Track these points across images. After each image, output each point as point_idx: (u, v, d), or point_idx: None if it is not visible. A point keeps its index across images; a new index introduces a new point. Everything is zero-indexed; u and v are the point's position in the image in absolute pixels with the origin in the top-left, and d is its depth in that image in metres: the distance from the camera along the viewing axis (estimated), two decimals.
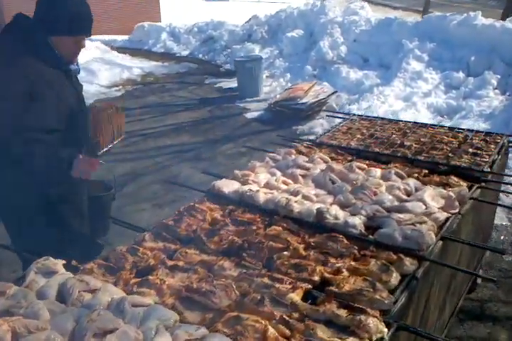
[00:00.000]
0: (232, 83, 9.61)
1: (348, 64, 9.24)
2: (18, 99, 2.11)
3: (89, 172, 2.27)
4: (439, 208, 2.19)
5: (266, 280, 1.66)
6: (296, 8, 12.17)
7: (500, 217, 4.46)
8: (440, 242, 2.05)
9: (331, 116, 4.70)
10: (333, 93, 8.01)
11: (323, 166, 2.60)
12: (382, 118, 3.68)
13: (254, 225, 2.09)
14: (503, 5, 14.20)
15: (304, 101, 7.48)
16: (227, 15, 16.42)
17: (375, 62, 9.20)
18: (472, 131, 3.41)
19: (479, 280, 3.48)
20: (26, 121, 2.12)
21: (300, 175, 2.49)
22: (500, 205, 2.79)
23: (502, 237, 4.22)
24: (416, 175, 2.65)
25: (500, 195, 4.17)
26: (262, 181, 2.44)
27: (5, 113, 2.10)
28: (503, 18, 8.98)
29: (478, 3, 24.75)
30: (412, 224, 2.01)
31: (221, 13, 17.42)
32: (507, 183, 3.03)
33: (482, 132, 3.33)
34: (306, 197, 2.25)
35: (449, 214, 2.17)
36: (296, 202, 2.19)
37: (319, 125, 7.16)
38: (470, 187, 2.54)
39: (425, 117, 7.21)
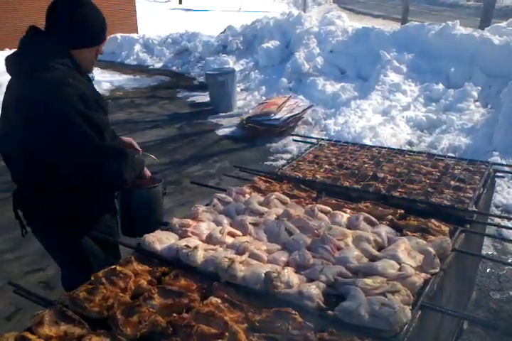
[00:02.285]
0: (206, 97, 9.20)
1: (325, 76, 8.90)
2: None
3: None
4: (416, 267, 1.80)
5: None
6: (271, 18, 11.86)
7: (486, 246, 4.10)
8: (418, 313, 1.65)
9: (298, 141, 4.28)
10: (308, 107, 7.66)
11: (280, 210, 2.18)
12: (354, 144, 3.29)
13: (187, 297, 1.66)
14: (479, 12, 14.12)
15: (277, 116, 7.10)
16: (203, 25, 16.12)
17: (353, 73, 8.88)
18: (454, 158, 3.04)
19: (465, 326, 3.09)
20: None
21: (251, 223, 2.07)
22: (486, 258, 2.36)
23: (488, 270, 3.85)
24: (390, 216, 2.25)
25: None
26: (204, 233, 2.02)
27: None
28: (482, 28, 8.74)
29: (455, 11, 24.86)
30: (383, 294, 1.60)
31: (197, 24, 17.13)
32: (494, 224, 2.65)
33: (465, 160, 2.96)
34: (254, 256, 1.84)
35: (428, 276, 1.77)
36: (241, 262, 1.77)
37: (294, 142, 6.77)
38: (453, 231, 2.17)
39: (404, 132, 6.90)
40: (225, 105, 8.50)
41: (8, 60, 2.07)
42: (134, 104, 9.12)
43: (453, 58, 7.86)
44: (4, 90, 2.14)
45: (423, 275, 1.76)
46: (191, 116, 8.37)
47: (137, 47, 13.64)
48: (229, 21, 13.74)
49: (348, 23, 10.59)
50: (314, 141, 3.41)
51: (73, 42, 2.10)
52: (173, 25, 16.31)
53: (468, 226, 2.29)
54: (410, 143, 6.71)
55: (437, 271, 1.81)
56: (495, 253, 4.09)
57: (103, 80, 10.43)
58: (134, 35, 14.21)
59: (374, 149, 3.17)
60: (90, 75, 2.33)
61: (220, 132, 7.51)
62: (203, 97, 9.32)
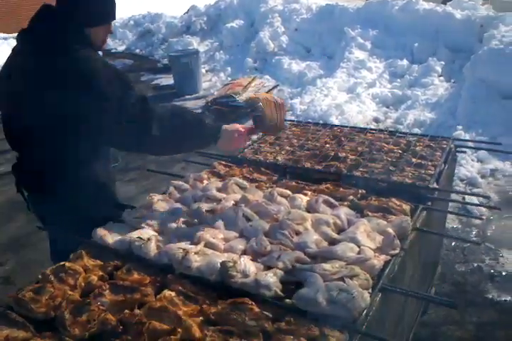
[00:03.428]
0: (171, 80, 8.98)
1: (290, 55, 8.79)
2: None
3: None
4: (375, 249, 1.76)
5: None
6: None
7: (450, 219, 4.13)
8: (378, 295, 1.62)
9: None
10: (274, 87, 7.57)
11: (238, 196, 2.11)
12: (316, 124, 3.23)
13: (139, 292, 1.59)
14: None
15: (243, 97, 6.98)
16: (165, 6, 15.66)
17: (318, 52, 8.79)
18: (416, 135, 3.01)
19: None
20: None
21: (207, 211, 2.00)
22: (448, 236, 2.33)
23: (453, 243, 3.90)
24: (351, 197, 2.21)
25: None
26: (158, 223, 1.93)
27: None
28: (444, 3, 8.73)
29: None
30: (342, 279, 1.56)
31: (160, 4, 16.64)
32: (456, 201, 2.64)
33: (426, 136, 2.93)
34: (210, 245, 1.77)
35: (389, 257, 1.74)
36: (196, 253, 1.71)
37: None
38: (414, 209, 2.14)
39: (370, 109, 6.88)
40: (189, 87, 8.33)
41: (19, 38, 2.03)
42: None
43: (417, 33, 7.85)
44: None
45: (383, 257, 1.72)
46: (155, 99, 8.14)
47: None
48: (195, 1, 13.37)
49: (312, 0, 10.44)
50: None
51: (88, 20, 2.04)
52: (136, 7, 15.81)
53: (429, 203, 2.27)
54: (376, 120, 6.71)
55: (397, 251, 1.78)
56: (460, 226, 4.14)
57: None
58: None
59: (336, 128, 3.11)
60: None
61: None
62: (168, 80, 9.11)
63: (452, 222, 4.17)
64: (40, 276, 1.69)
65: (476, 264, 3.64)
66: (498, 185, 4.84)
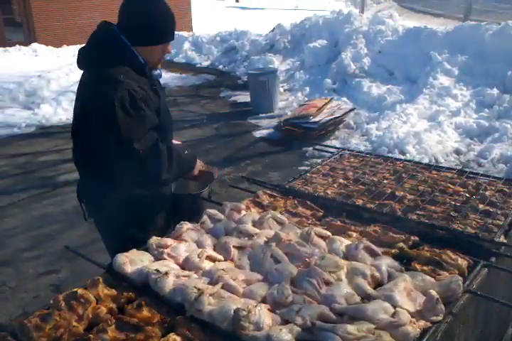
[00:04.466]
0: (248, 97, 9.02)
1: (371, 77, 8.51)
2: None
3: None
4: (414, 312, 1.53)
5: None
6: (321, 16, 11.53)
7: None
8: None
9: (319, 150, 4.01)
10: (350, 110, 7.32)
11: (272, 232, 1.96)
12: (378, 156, 3.00)
13: (143, 332, 1.48)
14: None
15: (316, 119, 6.81)
16: (254, 24, 15.95)
17: (401, 75, 8.43)
18: (489, 176, 2.69)
19: None
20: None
21: (236, 246, 1.86)
22: (506, 305, 1.96)
23: None
24: (401, 244, 1.98)
25: None
26: (182, 256, 1.82)
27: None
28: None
29: None
30: None
31: (249, 22, 16.98)
32: None
33: (501, 179, 2.60)
34: (228, 287, 1.62)
35: (428, 324, 1.50)
36: (211, 295, 1.57)
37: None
38: (473, 266, 1.86)
39: (452, 140, 6.43)
40: (265, 106, 8.29)
41: (79, 53, 2.18)
42: (175, 102, 9.06)
43: (510, 61, 7.27)
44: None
45: (421, 323, 1.49)
46: (231, 116, 8.23)
47: (186, 45, 13.67)
48: (282, 20, 13.48)
49: (400, 22, 10.11)
50: (335, 150, 3.14)
51: (139, 40, 2.12)
52: (225, 24, 16.25)
53: (493, 259, 1.97)
54: (458, 152, 6.25)
55: (440, 318, 1.53)
56: None
57: None
58: (184, 33, 14.24)
59: (398, 163, 2.87)
60: (157, 72, 2.31)
61: (257, 134, 7.32)
62: (245, 97, 9.15)
63: None
64: (51, 301, 1.64)
65: None
66: None
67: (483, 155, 6.02)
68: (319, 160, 6.07)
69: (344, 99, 8.04)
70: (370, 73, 8.72)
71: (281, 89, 9.30)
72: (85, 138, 2.13)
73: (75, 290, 1.66)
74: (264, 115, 8.22)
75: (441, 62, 7.66)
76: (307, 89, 9.16)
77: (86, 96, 2.12)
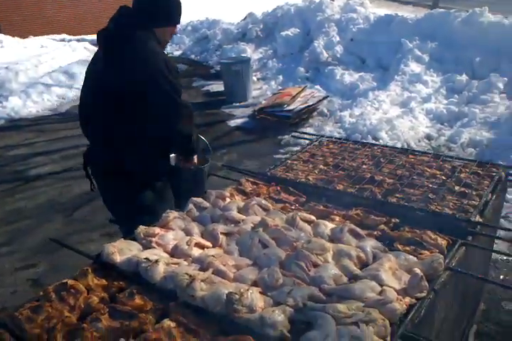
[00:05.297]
0: (221, 86, 8.97)
1: (344, 65, 8.59)
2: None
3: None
4: (400, 290, 1.59)
5: None
6: (293, 4, 11.51)
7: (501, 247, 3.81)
8: None
9: (297, 138, 4.06)
10: (324, 98, 7.38)
11: (258, 218, 1.99)
12: (355, 142, 3.05)
13: (137, 319, 1.50)
14: None
15: (290, 107, 6.86)
16: (224, 12, 15.79)
17: (373, 63, 8.53)
18: (463, 159, 2.78)
19: (471, 339, 2.86)
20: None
21: (223, 233, 1.88)
22: (486, 281, 2.06)
23: (502, 276, 3.59)
24: (382, 226, 2.04)
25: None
26: (170, 244, 1.84)
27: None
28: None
29: None
30: (356, 323, 1.40)
31: (218, 11, 16.79)
32: (501, 238, 2.40)
33: (474, 161, 2.70)
34: (219, 273, 1.65)
35: (413, 301, 1.56)
36: (203, 280, 1.60)
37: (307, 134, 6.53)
38: (452, 245, 1.94)
39: (423, 125, 6.57)
40: (239, 95, 8.28)
41: (100, 36, 2.38)
42: None
43: (479, 47, 7.45)
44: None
45: (407, 300, 1.55)
46: (204, 105, 8.18)
47: None
48: (254, 8, 13.37)
49: (371, 10, 10.19)
50: (314, 137, 3.18)
51: (157, 22, 2.42)
52: (196, 12, 16.03)
53: (470, 238, 2.06)
54: (429, 137, 6.38)
55: (424, 294, 1.59)
56: (510, 258, 3.81)
57: None
58: None
59: (376, 148, 2.93)
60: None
61: (232, 123, 7.32)
62: (219, 86, 9.11)
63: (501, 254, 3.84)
64: (41, 293, 1.64)
65: None
66: None
67: (453, 139, 6.17)
68: (295, 149, 6.18)
69: (317, 87, 8.10)
70: (342, 61, 8.80)
71: (255, 78, 9.30)
72: (136, 108, 2.32)
73: (65, 281, 1.66)
74: (238, 104, 8.22)
75: (412, 49, 7.78)
76: (280, 77, 9.18)
77: (138, 67, 2.28)
